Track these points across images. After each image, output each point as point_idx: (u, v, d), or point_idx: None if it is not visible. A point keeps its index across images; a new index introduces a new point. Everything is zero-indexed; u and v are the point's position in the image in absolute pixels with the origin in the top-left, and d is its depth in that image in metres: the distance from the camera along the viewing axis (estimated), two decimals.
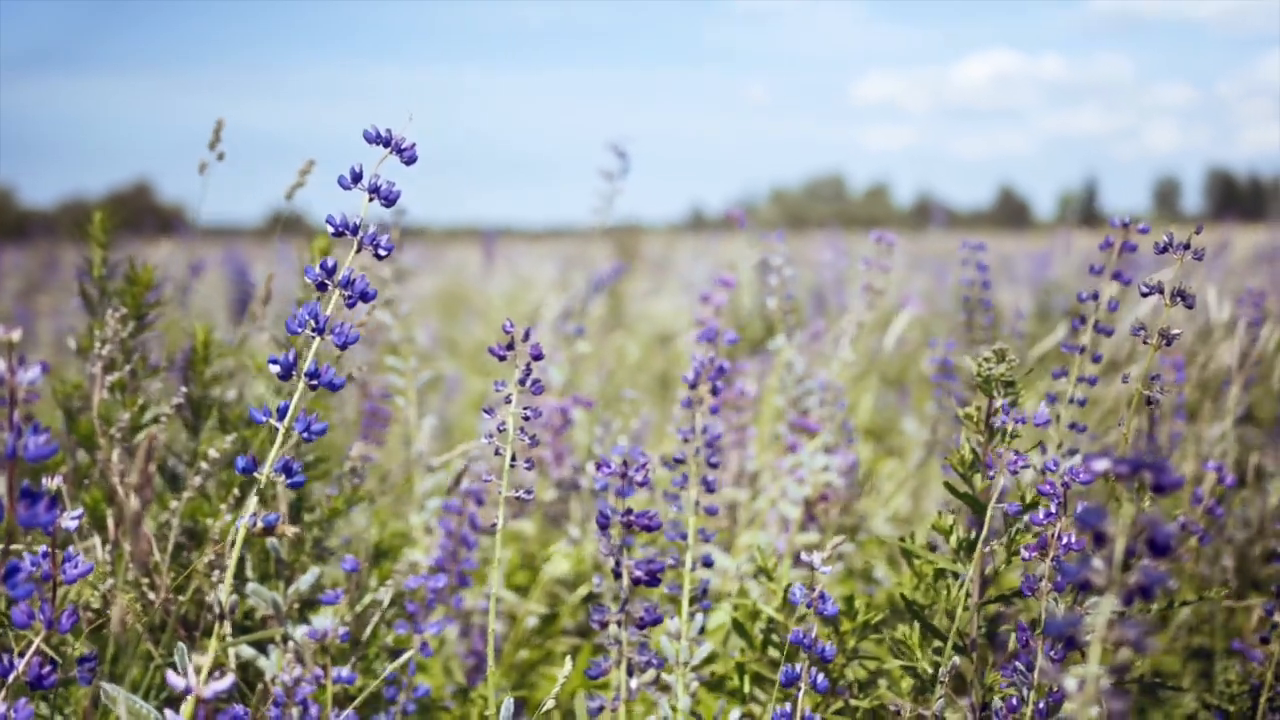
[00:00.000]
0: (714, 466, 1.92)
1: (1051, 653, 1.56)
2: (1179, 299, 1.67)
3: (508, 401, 1.54)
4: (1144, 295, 1.67)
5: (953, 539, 1.74)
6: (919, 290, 8.10)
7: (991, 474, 1.68)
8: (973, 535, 1.72)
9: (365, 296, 1.39)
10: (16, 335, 1.03)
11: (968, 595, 1.73)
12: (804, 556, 1.52)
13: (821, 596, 1.48)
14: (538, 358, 1.54)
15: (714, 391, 1.92)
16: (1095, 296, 2.00)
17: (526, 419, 1.53)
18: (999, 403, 1.66)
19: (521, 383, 1.53)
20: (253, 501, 1.25)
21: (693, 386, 1.91)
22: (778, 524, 2.74)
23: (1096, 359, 2.05)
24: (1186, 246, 1.69)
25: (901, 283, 9.13)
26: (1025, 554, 1.62)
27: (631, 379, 5.08)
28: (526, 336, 1.54)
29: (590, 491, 3.05)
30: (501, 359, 1.54)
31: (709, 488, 1.91)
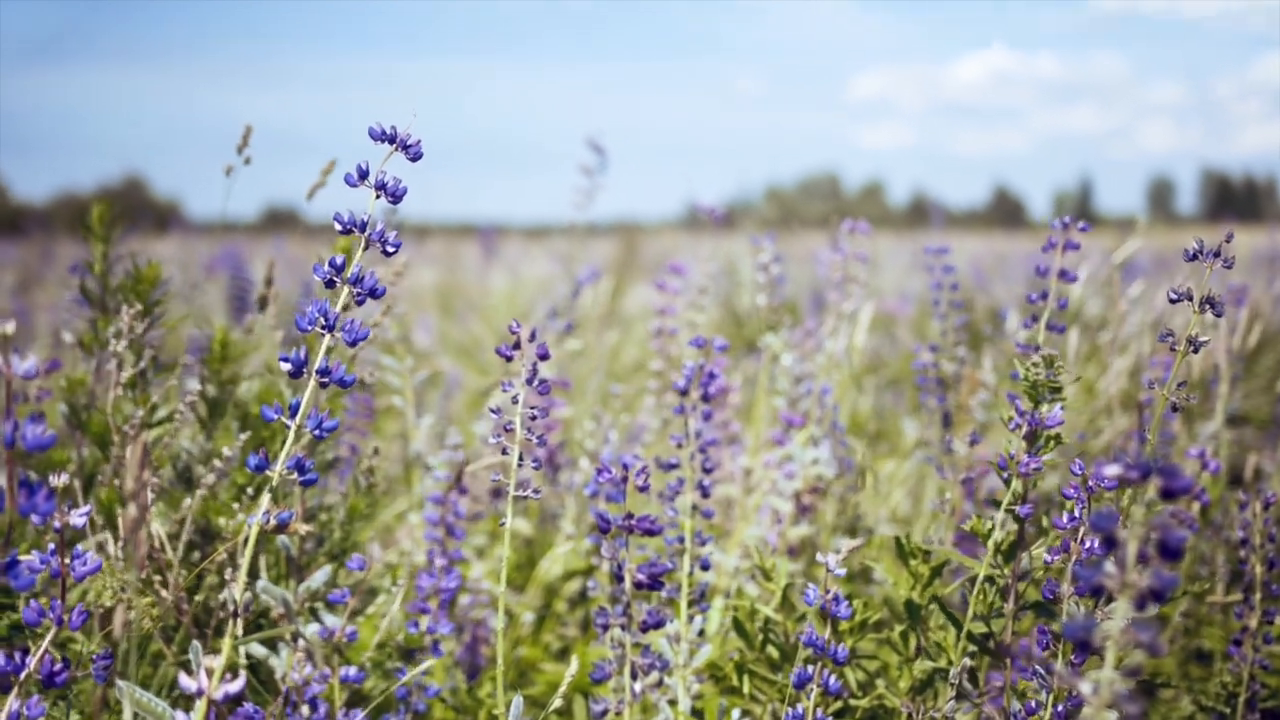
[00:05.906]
0: (709, 471, 1.91)
1: (1073, 657, 1.55)
2: (1207, 307, 1.65)
3: (515, 402, 1.53)
4: (1171, 302, 1.65)
5: (990, 542, 1.72)
6: (914, 290, 8.12)
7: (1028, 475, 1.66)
8: (1011, 539, 1.70)
9: (374, 293, 1.38)
10: (10, 328, 1.05)
11: (1003, 600, 1.72)
12: (819, 558, 1.51)
13: (836, 599, 1.48)
14: (544, 358, 1.54)
15: (705, 398, 1.91)
16: (1044, 296, 2.05)
17: (533, 419, 1.53)
18: (1045, 408, 1.64)
19: (528, 382, 1.53)
20: (265, 499, 1.25)
21: (684, 393, 1.91)
22: (770, 518, 2.74)
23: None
24: (1217, 254, 1.66)
25: (899, 282, 9.15)
26: (1048, 557, 1.61)
27: (628, 378, 5.08)
28: (533, 337, 1.54)
29: (584, 488, 3.05)
30: (508, 359, 1.54)
31: (704, 491, 1.91)
